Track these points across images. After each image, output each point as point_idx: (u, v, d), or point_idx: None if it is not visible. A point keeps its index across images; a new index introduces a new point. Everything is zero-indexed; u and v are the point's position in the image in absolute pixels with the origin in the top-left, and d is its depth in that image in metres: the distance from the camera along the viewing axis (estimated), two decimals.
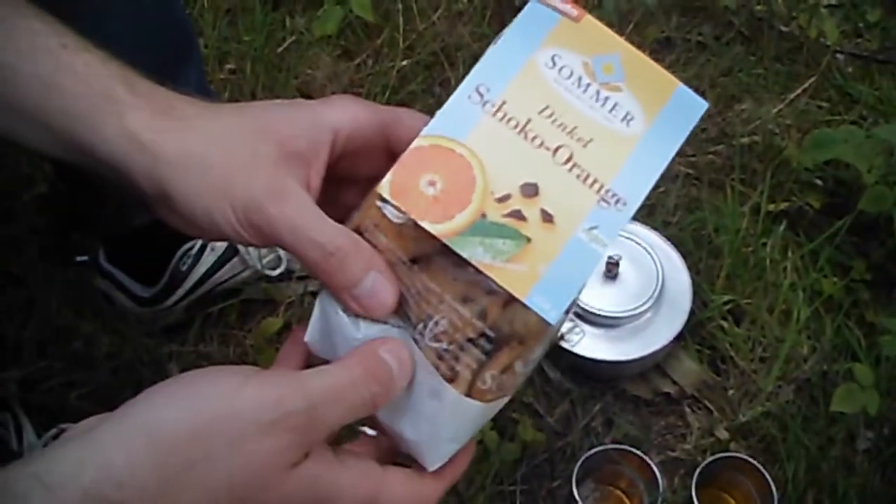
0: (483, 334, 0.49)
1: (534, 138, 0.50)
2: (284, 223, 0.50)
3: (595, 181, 0.50)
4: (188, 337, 1.17)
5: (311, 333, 0.53)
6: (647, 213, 1.25)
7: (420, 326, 0.49)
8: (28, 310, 1.17)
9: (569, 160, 0.50)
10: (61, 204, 1.23)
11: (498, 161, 0.50)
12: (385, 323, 0.51)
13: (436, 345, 0.49)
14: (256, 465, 0.45)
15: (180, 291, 1.15)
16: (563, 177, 0.50)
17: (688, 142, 1.38)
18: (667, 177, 1.28)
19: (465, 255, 0.48)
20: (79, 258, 1.19)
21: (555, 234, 0.48)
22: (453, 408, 0.50)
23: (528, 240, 0.48)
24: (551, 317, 0.47)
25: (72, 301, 1.18)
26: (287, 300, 1.19)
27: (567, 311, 0.50)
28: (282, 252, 1.19)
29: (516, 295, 0.47)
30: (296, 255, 0.51)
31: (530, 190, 0.49)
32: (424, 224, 0.48)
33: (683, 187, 1.30)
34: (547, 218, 0.49)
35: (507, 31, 0.53)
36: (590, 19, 0.53)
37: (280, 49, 1.38)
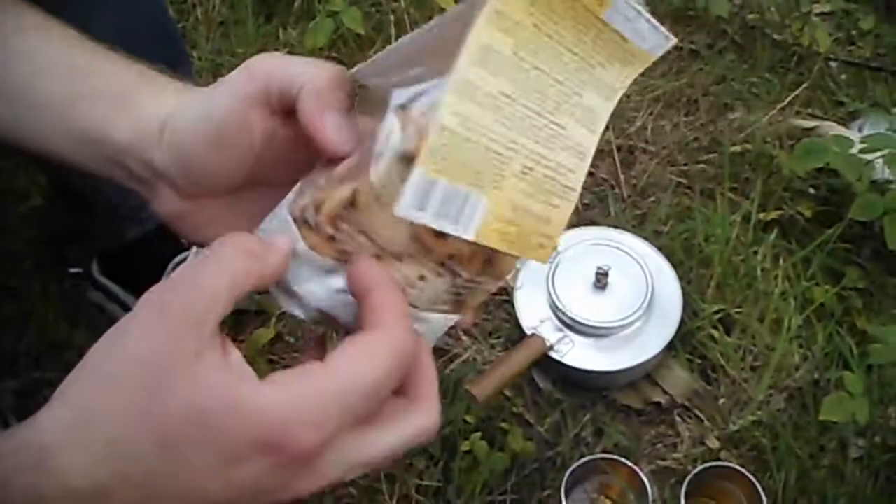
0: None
1: None
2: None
3: None
4: None
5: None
6: (638, 223, 1.25)
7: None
8: (24, 321, 1.18)
9: None
10: (56, 217, 1.23)
11: None
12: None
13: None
14: (159, 350, 0.44)
15: None
16: None
17: (679, 150, 1.37)
18: (658, 186, 1.29)
19: None
20: (72, 270, 1.20)
21: None
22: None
23: None
24: None
25: (66, 313, 1.19)
26: (279, 311, 1.19)
27: None
28: None
29: None
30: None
31: None
32: None
33: (675, 196, 1.30)
34: None
35: None
36: None
37: None
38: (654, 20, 0.53)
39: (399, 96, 0.51)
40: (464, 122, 0.50)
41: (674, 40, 0.54)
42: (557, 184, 0.53)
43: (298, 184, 0.54)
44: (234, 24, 1.42)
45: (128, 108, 0.58)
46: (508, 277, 0.55)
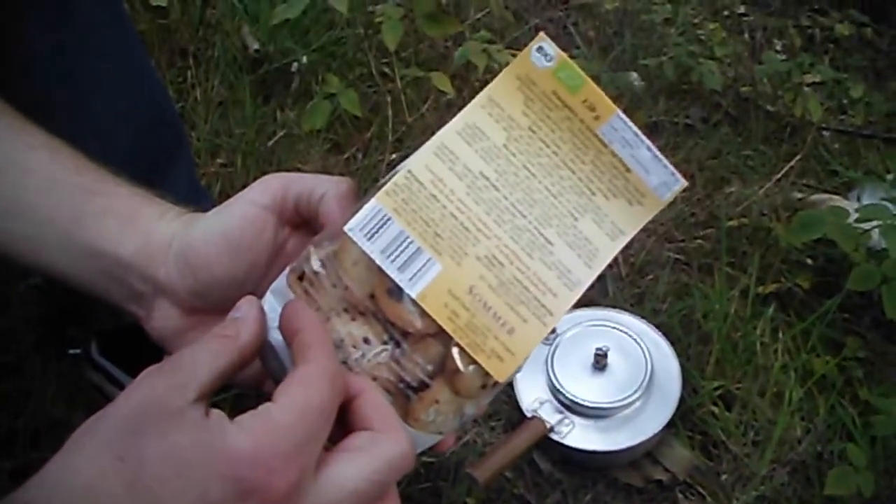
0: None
1: None
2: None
3: None
4: None
5: None
6: (637, 302, 1.26)
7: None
8: (22, 400, 1.17)
9: None
10: (56, 296, 1.23)
11: None
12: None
13: None
14: (143, 403, 0.46)
15: None
16: None
17: (677, 227, 1.37)
18: (656, 263, 1.29)
19: None
20: (71, 351, 1.20)
21: None
22: None
23: None
24: None
25: (65, 393, 1.19)
26: None
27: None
28: None
29: None
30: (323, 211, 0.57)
31: None
32: None
33: (673, 273, 1.30)
34: None
35: None
36: None
37: (270, 143, 1.40)
38: (655, 149, 0.53)
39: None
40: (434, 180, 0.51)
41: (682, 182, 0.54)
42: (531, 296, 0.52)
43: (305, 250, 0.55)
44: (232, 104, 1.43)
45: (134, 225, 0.60)
46: (474, 406, 0.54)
